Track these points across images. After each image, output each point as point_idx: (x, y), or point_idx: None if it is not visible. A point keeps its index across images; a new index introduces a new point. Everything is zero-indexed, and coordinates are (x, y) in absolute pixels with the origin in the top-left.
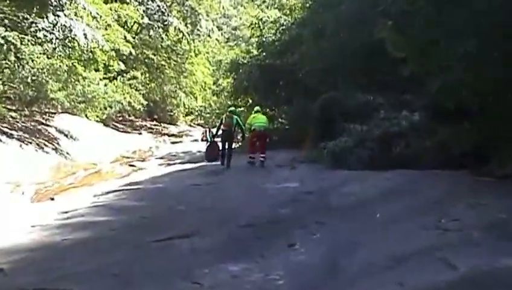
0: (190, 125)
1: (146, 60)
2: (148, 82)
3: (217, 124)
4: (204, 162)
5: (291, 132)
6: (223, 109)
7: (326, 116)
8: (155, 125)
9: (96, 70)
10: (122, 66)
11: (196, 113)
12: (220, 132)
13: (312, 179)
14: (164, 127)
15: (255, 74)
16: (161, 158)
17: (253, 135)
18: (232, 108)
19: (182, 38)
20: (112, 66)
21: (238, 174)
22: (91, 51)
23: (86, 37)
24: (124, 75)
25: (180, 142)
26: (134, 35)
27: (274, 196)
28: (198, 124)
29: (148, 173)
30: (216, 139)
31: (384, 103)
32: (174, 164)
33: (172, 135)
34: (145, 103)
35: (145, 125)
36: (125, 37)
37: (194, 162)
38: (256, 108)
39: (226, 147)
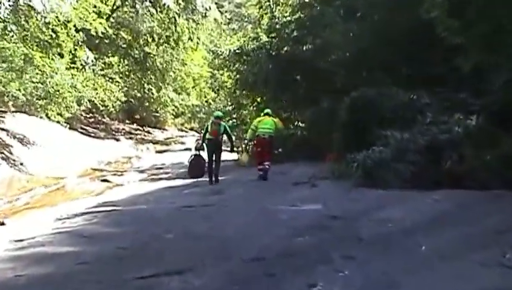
0: (181, 130)
1: (124, 46)
2: (127, 73)
3: (203, 132)
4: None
5: (311, 139)
6: (224, 109)
7: (356, 120)
8: (136, 129)
9: (61, 56)
10: (92, 56)
11: (189, 115)
12: (206, 141)
13: (338, 200)
14: (148, 131)
15: (264, 65)
16: (143, 172)
17: (257, 144)
18: (219, 113)
19: (171, 17)
20: (81, 49)
21: (243, 192)
22: (53, 30)
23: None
24: (97, 63)
25: (168, 151)
26: (110, 13)
27: (289, 222)
28: (191, 129)
29: (127, 191)
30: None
31: (432, 102)
32: (161, 179)
33: (158, 142)
34: (123, 100)
35: (123, 129)
36: (98, 13)
37: (186, 177)
38: (266, 110)
39: (214, 159)
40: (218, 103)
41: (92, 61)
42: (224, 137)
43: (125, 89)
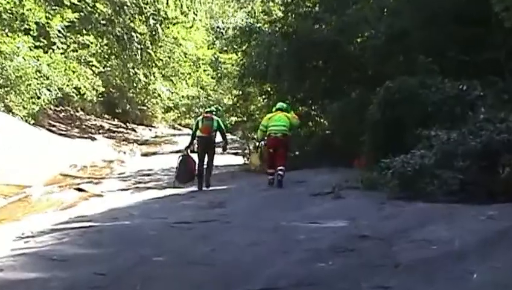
0: (173, 127)
1: (103, 21)
2: (106, 56)
3: (193, 129)
4: (190, 186)
5: (335, 140)
6: (226, 101)
7: (392, 117)
8: (118, 126)
9: (25, 32)
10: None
11: (183, 108)
12: (197, 139)
13: (368, 215)
14: (132, 129)
15: (278, 48)
16: (127, 179)
17: (268, 144)
18: (212, 107)
19: None
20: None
21: (251, 205)
22: None
23: None
24: (69, 43)
25: (158, 153)
26: None
27: (307, 243)
28: (186, 126)
29: (106, 203)
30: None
31: (487, 95)
32: (148, 188)
33: (145, 143)
34: (101, 89)
35: (102, 127)
36: None
37: (179, 186)
38: (279, 104)
39: (205, 160)
40: (220, 93)
41: (62, 37)
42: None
43: (104, 75)
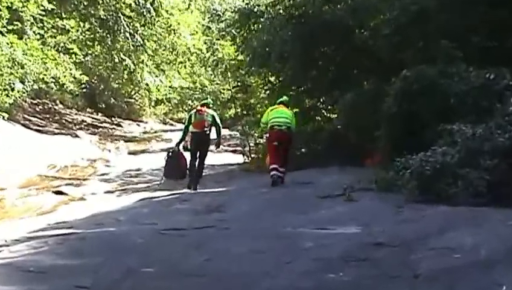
0: (164, 122)
1: (86, 2)
2: (89, 42)
3: (184, 123)
4: (183, 188)
5: (346, 136)
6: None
7: (410, 109)
8: (102, 121)
9: None
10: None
11: (175, 101)
12: (189, 135)
13: (384, 220)
14: (118, 124)
15: (282, 32)
16: (112, 180)
17: (272, 137)
18: (208, 100)
19: None
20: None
21: (252, 209)
22: None
23: None
24: (46, 27)
25: (147, 151)
26: None
27: (316, 251)
28: (179, 120)
29: (90, 207)
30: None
31: None
32: (136, 190)
33: (133, 139)
34: (84, 79)
35: (84, 122)
36: None
37: (171, 188)
38: (284, 98)
39: (198, 157)
40: (218, 84)
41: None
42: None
43: (87, 64)
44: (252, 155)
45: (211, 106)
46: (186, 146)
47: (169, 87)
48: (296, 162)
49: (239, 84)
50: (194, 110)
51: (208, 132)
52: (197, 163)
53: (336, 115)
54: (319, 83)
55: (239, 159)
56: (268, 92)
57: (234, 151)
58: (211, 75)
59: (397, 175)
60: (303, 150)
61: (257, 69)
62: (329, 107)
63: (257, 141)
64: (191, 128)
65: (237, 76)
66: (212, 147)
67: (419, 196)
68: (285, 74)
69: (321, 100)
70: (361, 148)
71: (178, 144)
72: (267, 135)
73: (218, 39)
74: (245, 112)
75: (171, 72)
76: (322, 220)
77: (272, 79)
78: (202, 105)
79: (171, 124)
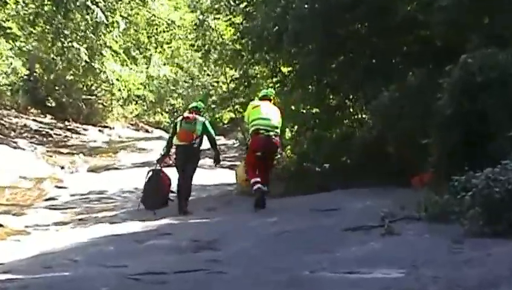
0: (136, 128)
1: None
2: (31, 18)
3: (169, 135)
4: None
5: (384, 147)
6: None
7: (472, 110)
8: (52, 126)
9: None
10: None
11: (151, 98)
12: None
13: (436, 261)
14: (74, 130)
15: (298, 6)
16: (65, 207)
17: (255, 145)
18: (198, 103)
19: None
20: None
21: (255, 245)
22: None
23: None
24: None
25: (114, 167)
26: None
27: None
28: (158, 125)
29: (35, 244)
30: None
31: None
32: (98, 221)
33: (94, 151)
34: (24, 72)
35: (27, 127)
36: None
37: (146, 217)
38: (268, 91)
39: (185, 175)
40: (210, 76)
41: None
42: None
43: (30, 50)
44: (238, 169)
45: (202, 110)
46: (170, 162)
47: (147, 78)
48: (316, 182)
49: (239, 75)
50: (180, 117)
51: (196, 145)
52: (183, 183)
53: (370, 119)
54: (347, 74)
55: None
56: (278, 85)
57: (232, 167)
58: (201, 64)
59: (454, 199)
60: (325, 165)
61: (263, 55)
62: (361, 106)
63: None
64: (175, 140)
65: (237, 65)
66: (202, 162)
67: (484, 228)
68: (301, 62)
69: (350, 97)
70: (404, 163)
71: (160, 161)
72: (250, 142)
73: (212, 13)
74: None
75: (145, 59)
76: (352, 260)
77: (284, 69)
78: (191, 110)
79: (146, 130)
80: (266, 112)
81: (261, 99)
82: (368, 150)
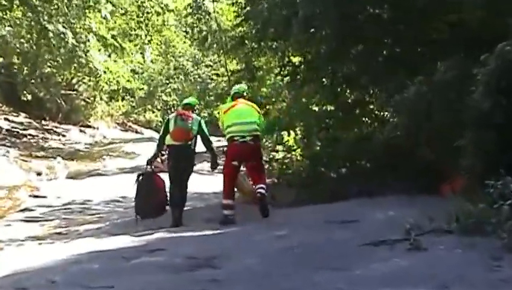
0: (123, 127)
1: None
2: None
3: (160, 134)
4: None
5: (410, 149)
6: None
7: (507, 105)
8: (26, 126)
9: None
10: None
11: (141, 93)
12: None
13: (471, 280)
14: (52, 130)
15: None
16: (42, 219)
17: (231, 154)
18: (191, 99)
19: None
20: None
21: (262, 262)
22: None
23: None
24: None
25: (98, 174)
26: None
27: None
28: (147, 124)
29: (7, 260)
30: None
31: None
32: (80, 235)
33: (75, 155)
34: None
35: None
36: None
37: (134, 230)
38: (240, 87)
39: (179, 181)
40: (208, 68)
41: None
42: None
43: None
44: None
45: (197, 107)
46: (162, 165)
47: (132, 71)
48: (331, 189)
49: (242, 66)
50: (174, 113)
51: (192, 146)
52: (178, 190)
53: (393, 117)
54: (366, 64)
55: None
56: (287, 78)
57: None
58: (200, 52)
59: (490, 208)
60: (341, 169)
61: (270, 43)
62: (382, 102)
63: (270, 156)
64: (168, 139)
65: (239, 55)
66: (200, 166)
67: None
68: (313, 51)
69: (370, 92)
70: (433, 167)
71: (150, 162)
72: (227, 151)
73: None
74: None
75: (134, 48)
76: (372, 279)
77: (293, 59)
78: (185, 107)
79: (135, 131)
80: (240, 115)
81: (233, 98)
82: (390, 152)
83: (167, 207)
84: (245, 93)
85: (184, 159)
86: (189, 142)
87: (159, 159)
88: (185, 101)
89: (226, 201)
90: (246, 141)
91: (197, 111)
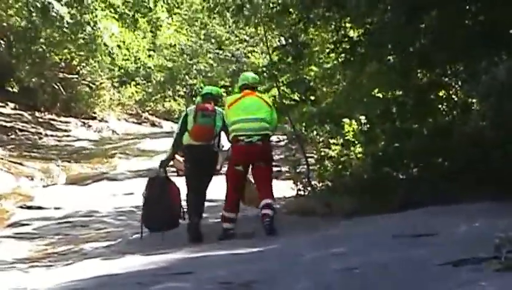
0: (137, 120)
1: None
2: None
3: (176, 131)
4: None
5: (500, 144)
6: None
7: None
8: (17, 118)
9: None
10: None
11: (157, 77)
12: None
13: None
14: (49, 124)
15: None
16: (37, 235)
17: (234, 154)
18: (213, 88)
19: None
20: None
21: (311, 285)
22: None
23: None
24: None
25: (105, 178)
26: None
27: None
28: (166, 115)
29: None
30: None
31: None
32: (85, 255)
33: (78, 156)
34: None
35: None
36: None
37: (152, 248)
38: (250, 77)
39: (200, 187)
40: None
41: None
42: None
43: None
44: (313, 182)
45: (220, 98)
46: (179, 167)
47: (149, 51)
48: (400, 195)
49: (286, 42)
50: (193, 107)
51: (215, 146)
52: (198, 198)
53: (478, 104)
54: (443, 38)
55: (286, 189)
56: (343, 56)
57: (277, 176)
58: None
59: None
60: (414, 170)
61: (321, 12)
62: (465, 85)
63: (322, 153)
64: (185, 138)
65: (283, 27)
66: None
67: None
68: (376, 22)
69: (448, 72)
70: None
71: (163, 165)
72: (231, 152)
73: None
74: (297, 97)
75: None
76: None
77: (352, 33)
78: (207, 98)
79: (153, 123)
80: (247, 109)
81: (241, 89)
82: (474, 148)
83: (181, 220)
84: (256, 85)
85: (205, 163)
86: (212, 142)
87: (179, 158)
88: (205, 90)
89: (228, 214)
90: (253, 142)
91: (219, 103)
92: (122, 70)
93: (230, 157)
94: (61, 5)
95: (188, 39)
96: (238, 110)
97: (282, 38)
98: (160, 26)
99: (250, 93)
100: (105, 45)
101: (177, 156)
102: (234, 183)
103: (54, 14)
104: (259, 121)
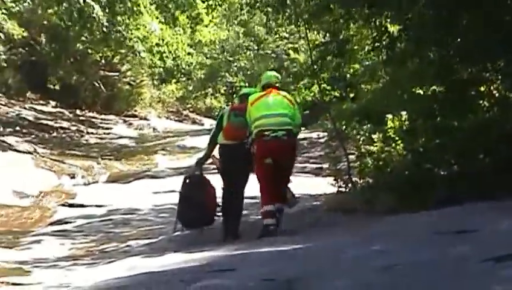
0: (178, 117)
1: None
2: None
3: (212, 130)
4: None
5: None
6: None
7: None
8: (57, 116)
9: None
10: None
11: (200, 73)
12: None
13: None
14: (90, 122)
15: None
16: (79, 234)
17: (261, 151)
18: (250, 89)
19: None
20: None
21: (358, 287)
22: None
23: None
24: None
25: (146, 176)
26: None
27: None
28: (207, 112)
29: (37, 286)
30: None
31: None
32: (127, 253)
33: (119, 154)
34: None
35: (23, 119)
36: None
37: (192, 246)
38: (271, 75)
39: (237, 188)
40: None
41: None
42: None
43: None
44: (354, 179)
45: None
46: (217, 166)
47: (189, 47)
48: (441, 191)
49: (327, 38)
50: (228, 107)
51: (248, 145)
52: (235, 198)
53: None
54: (486, 34)
55: (327, 185)
56: (385, 52)
57: (317, 173)
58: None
59: None
60: (454, 167)
61: (362, 9)
62: (506, 80)
63: (362, 150)
64: (220, 137)
65: (323, 24)
66: None
67: None
68: (417, 18)
69: (489, 68)
70: None
71: (199, 164)
72: (256, 149)
73: None
74: (337, 93)
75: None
76: None
77: (392, 28)
78: (242, 98)
79: (193, 120)
80: (271, 106)
81: (263, 88)
82: None
83: (215, 218)
84: (276, 83)
85: (239, 161)
86: (245, 141)
87: (217, 155)
88: (243, 91)
89: (266, 207)
90: (279, 137)
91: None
92: (162, 68)
93: (254, 154)
94: (100, 7)
95: (227, 36)
96: (260, 108)
97: (323, 35)
98: (202, 21)
99: (273, 92)
100: (145, 42)
101: (215, 154)
102: (266, 176)
103: (94, 16)
104: (282, 116)
